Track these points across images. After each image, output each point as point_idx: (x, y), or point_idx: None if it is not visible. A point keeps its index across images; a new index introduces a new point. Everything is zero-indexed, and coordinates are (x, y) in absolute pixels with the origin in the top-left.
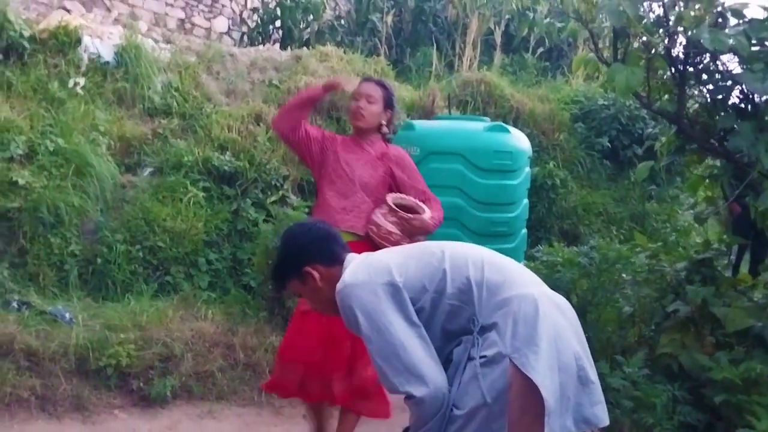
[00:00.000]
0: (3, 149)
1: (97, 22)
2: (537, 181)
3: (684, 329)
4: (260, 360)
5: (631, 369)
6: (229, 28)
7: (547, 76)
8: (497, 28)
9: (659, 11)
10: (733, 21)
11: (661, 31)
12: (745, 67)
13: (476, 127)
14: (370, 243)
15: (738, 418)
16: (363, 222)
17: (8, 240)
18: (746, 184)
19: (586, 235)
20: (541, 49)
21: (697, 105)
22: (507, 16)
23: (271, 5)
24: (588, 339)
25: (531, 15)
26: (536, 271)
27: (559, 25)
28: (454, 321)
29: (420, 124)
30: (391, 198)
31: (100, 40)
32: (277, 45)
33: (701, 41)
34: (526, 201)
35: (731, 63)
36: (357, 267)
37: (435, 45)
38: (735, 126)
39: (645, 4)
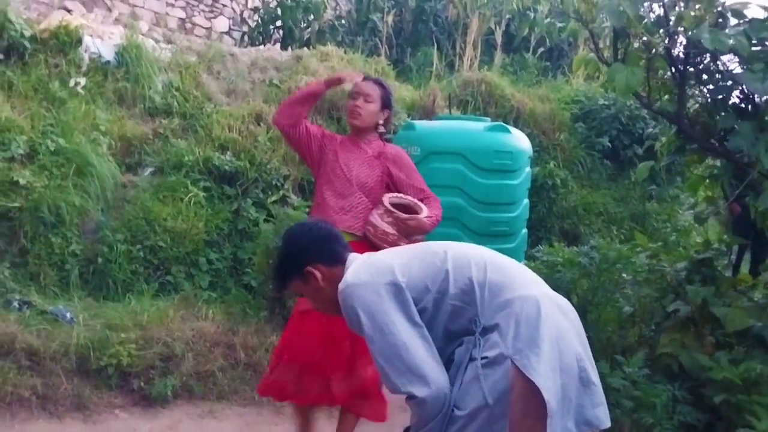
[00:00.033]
0: (4, 149)
1: (98, 21)
2: (537, 180)
3: (684, 329)
4: (261, 360)
5: (631, 369)
6: (229, 27)
7: (547, 75)
8: (498, 27)
9: (659, 11)
10: (733, 21)
11: (661, 31)
12: (745, 67)
13: (477, 127)
14: (368, 243)
15: (738, 418)
16: (361, 222)
17: (9, 240)
18: (746, 184)
19: (587, 234)
20: (541, 49)
21: (697, 105)
22: (507, 16)
23: (272, 5)
24: (588, 339)
25: (531, 15)
26: (536, 271)
27: (559, 25)
28: (456, 321)
29: (420, 124)
30: (387, 198)
31: (101, 40)
32: (278, 45)
33: (701, 41)
34: (526, 201)
35: (731, 63)
36: (359, 267)
37: (435, 45)
38: (735, 126)
39: (645, 4)
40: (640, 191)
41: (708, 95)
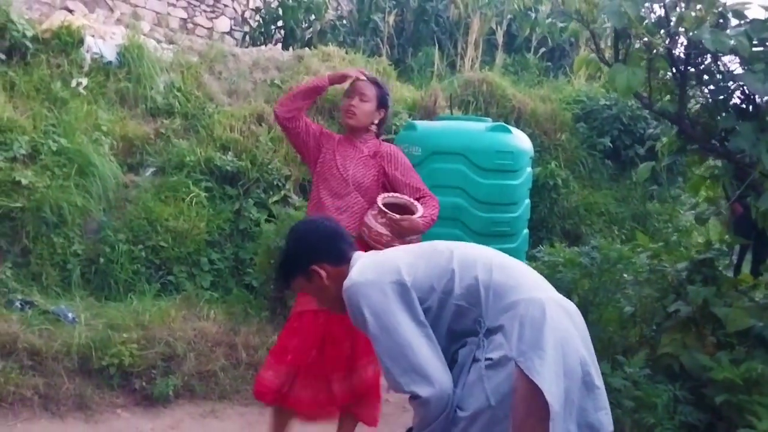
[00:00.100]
0: (6, 149)
1: (100, 22)
2: (539, 181)
3: (685, 329)
4: (262, 359)
5: (633, 369)
6: (231, 28)
7: (548, 76)
8: (499, 28)
9: (660, 12)
10: (734, 21)
11: (662, 31)
12: (746, 67)
13: (478, 127)
14: (364, 243)
15: (739, 418)
16: (357, 222)
17: (11, 240)
18: (747, 184)
19: (588, 235)
20: (543, 49)
21: (698, 105)
22: (509, 16)
23: (273, 5)
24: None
25: (533, 15)
26: (537, 271)
27: (560, 25)
28: (460, 321)
29: (422, 124)
30: (381, 198)
31: (103, 40)
32: (279, 45)
33: (702, 42)
34: (527, 201)
35: (732, 63)
36: (365, 265)
37: (437, 45)
38: (736, 126)
39: (646, 4)
40: (642, 191)
41: (709, 96)
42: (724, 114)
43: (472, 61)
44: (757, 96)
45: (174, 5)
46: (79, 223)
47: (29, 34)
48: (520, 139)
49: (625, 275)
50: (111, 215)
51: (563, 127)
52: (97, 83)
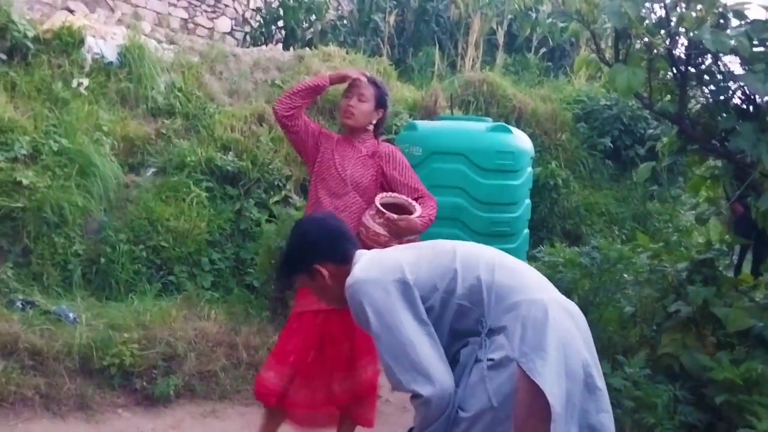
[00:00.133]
0: (7, 149)
1: (101, 22)
2: (539, 181)
3: (685, 329)
4: (263, 359)
5: (633, 369)
6: (232, 28)
7: (549, 76)
8: (500, 28)
9: (661, 12)
10: (734, 22)
11: (662, 32)
12: (746, 68)
13: (478, 127)
14: (362, 243)
15: (739, 418)
16: (355, 222)
17: (12, 240)
18: (748, 184)
19: (589, 235)
20: (543, 49)
21: (698, 106)
22: (509, 16)
23: (274, 5)
24: None
25: (533, 15)
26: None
27: (561, 25)
28: (462, 321)
29: (422, 124)
30: (379, 198)
31: (104, 41)
32: (280, 45)
33: (703, 42)
34: (528, 201)
35: (733, 64)
36: (368, 263)
37: (437, 45)
38: (736, 127)
39: (646, 5)
40: (642, 191)
41: (709, 96)
42: (724, 114)
43: (472, 61)
44: (757, 96)
45: (175, 5)
46: (80, 223)
47: (30, 34)
48: (521, 139)
49: (625, 275)
50: (112, 215)
51: (564, 127)
52: (98, 83)
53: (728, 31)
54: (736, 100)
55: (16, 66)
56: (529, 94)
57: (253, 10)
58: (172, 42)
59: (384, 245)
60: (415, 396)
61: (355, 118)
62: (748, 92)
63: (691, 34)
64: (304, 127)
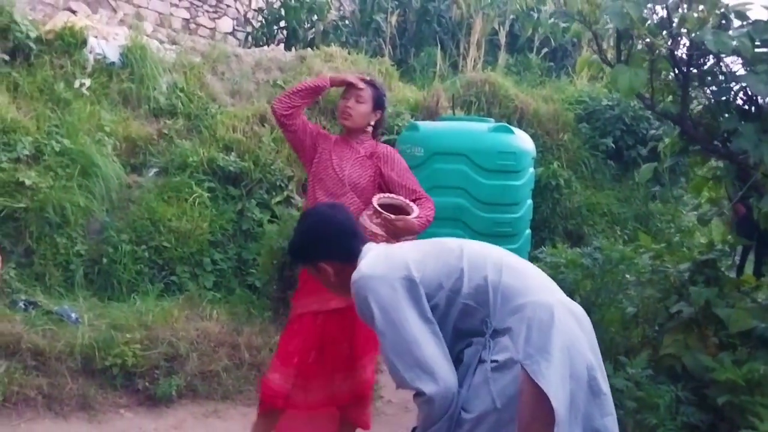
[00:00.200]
0: (10, 150)
1: (103, 23)
2: (541, 181)
3: (687, 330)
4: (265, 360)
5: (635, 370)
6: (233, 28)
7: (551, 76)
8: (501, 28)
9: (662, 13)
10: (736, 23)
11: (664, 32)
12: (748, 68)
13: (480, 127)
14: None
15: (741, 419)
16: None
17: (15, 240)
18: (750, 185)
19: (591, 235)
20: (545, 50)
21: (700, 106)
22: (511, 17)
23: (276, 5)
24: None
25: (535, 15)
26: None
27: (563, 25)
28: (466, 321)
29: (424, 124)
30: (376, 199)
31: (106, 41)
32: (282, 45)
33: (705, 43)
34: (529, 201)
35: (735, 64)
36: (375, 258)
37: (439, 45)
38: (738, 127)
39: (648, 6)
40: (644, 192)
41: (711, 97)
42: (726, 115)
43: (474, 61)
44: (759, 97)
45: (177, 6)
46: (82, 223)
47: (32, 35)
48: (523, 140)
49: (627, 276)
50: (114, 216)
51: (566, 128)
52: (100, 84)
53: (730, 32)
54: (738, 101)
55: (19, 66)
56: (531, 95)
57: (254, 10)
58: (174, 42)
59: None
60: (419, 394)
61: (352, 119)
62: (750, 93)
63: (693, 34)
64: (302, 127)
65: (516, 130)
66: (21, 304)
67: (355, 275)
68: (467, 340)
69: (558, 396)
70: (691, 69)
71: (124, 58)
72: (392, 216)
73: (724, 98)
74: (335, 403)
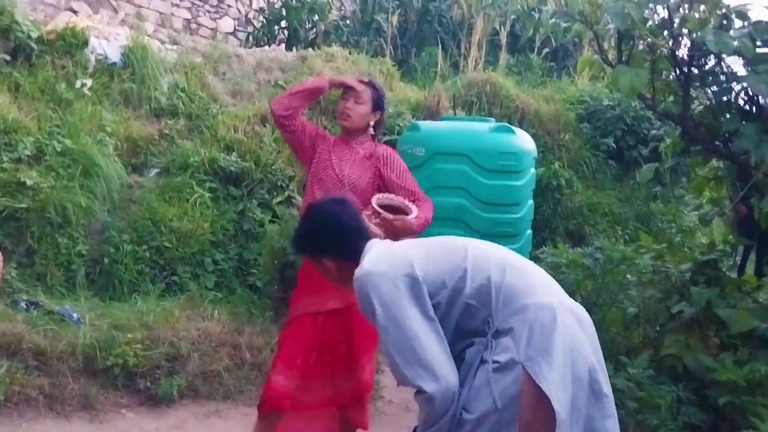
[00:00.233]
0: (11, 150)
1: (104, 23)
2: (542, 181)
3: (688, 330)
4: (266, 360)
5: (636, 370)
6: (234, 28)
7: (552, 76)
8: (503, 28)
9: (664, 13)
10: (737, 23)
11: (665, 33)
12: (749, 68)
13: (481, 127)
14: None
15: (742, 419)
16: None
17: (16, 240)
18: (751, 185)
19: (592, 235)
20: (546, 50)
21: (701, 107)
22: (512, 17)
23: (277, 5)
24: None
25: (536, 15)
26: None
27: (564, 25)
28: (468, 320)
29: (425, 124)
30: (375, 199)
31: (107, 41)
32: (283, 45)
33: (706, 43)
34: (531, 202)
35: (736, 65)
36: (379, 255)
37: (440, 45)
38: (739, 128)
39: (649, 6)
40: (645, 192)
41: (712, 97)
42: (727, 115)
43: (475, 61)
44: (760, 97)
45: (178, 6)
46: (84, 223)
47: (34, 35)
48: (524, 140)
49: (628, 276)
50: (115, 216)
51: (567, 128)
52: (101, 84)
53: (731, 32)
54: (740, 101)
55: (20, 67)
56: (532, 95)
57: (256, 10)
58: (175, 42)
59: None
60: (419, 392)
61: (351, 120)
62: (751, 93)
63: (694, 35)
64: (300, 127)
65: (517, 130)
66: (22, 304)
67: (358, 271)
68: (469, 340)
69: (559, 398)
70: (693, 69)
71: (126, 58)
72: (391, 216)
73: (725, 98)
74: (335, 403)
